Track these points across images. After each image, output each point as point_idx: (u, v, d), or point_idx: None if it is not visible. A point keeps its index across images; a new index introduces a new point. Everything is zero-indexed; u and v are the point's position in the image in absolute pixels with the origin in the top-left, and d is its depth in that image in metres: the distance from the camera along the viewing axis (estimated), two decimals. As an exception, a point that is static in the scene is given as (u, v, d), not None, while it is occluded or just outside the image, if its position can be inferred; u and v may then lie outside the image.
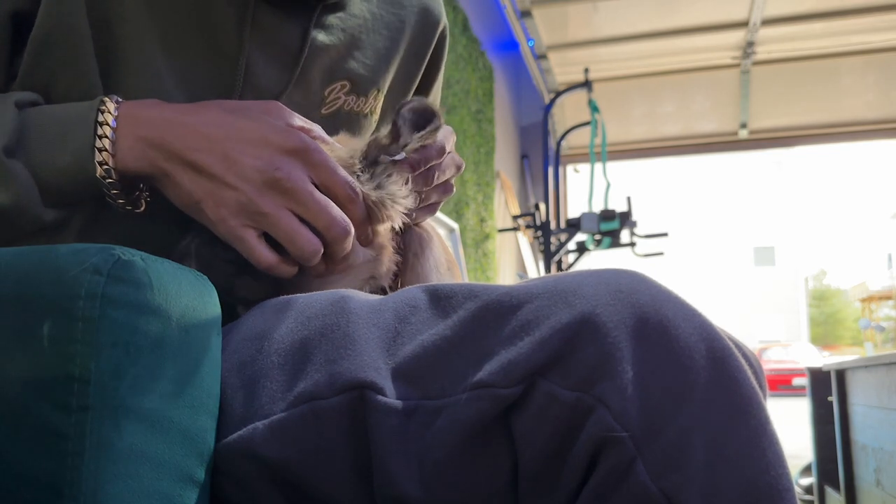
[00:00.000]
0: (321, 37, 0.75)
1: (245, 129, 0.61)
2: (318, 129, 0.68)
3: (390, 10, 0.83)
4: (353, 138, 0.74)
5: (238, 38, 0.69)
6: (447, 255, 0.81)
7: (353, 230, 0.63)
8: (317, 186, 0.62)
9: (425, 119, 0.67)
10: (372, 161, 0.67)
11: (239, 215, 0.60)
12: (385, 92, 0.83)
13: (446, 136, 0.70)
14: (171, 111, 0.62)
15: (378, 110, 0.83)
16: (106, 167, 0.59)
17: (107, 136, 0.59)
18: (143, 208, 0.63)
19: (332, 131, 0.77)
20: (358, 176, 0.66)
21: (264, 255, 0.61)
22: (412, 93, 0.88)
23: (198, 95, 0.68)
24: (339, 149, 0.68)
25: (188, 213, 0.62)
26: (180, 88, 0.68)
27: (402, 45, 0.84)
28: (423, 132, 0.67)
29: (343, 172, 0.63)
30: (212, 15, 0.69)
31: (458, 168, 0.75)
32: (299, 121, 0.66)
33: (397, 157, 0.66)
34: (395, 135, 0.67)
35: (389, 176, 0.67)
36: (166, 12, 0.68)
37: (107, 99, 0.61)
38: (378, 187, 0.66)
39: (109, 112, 0.60)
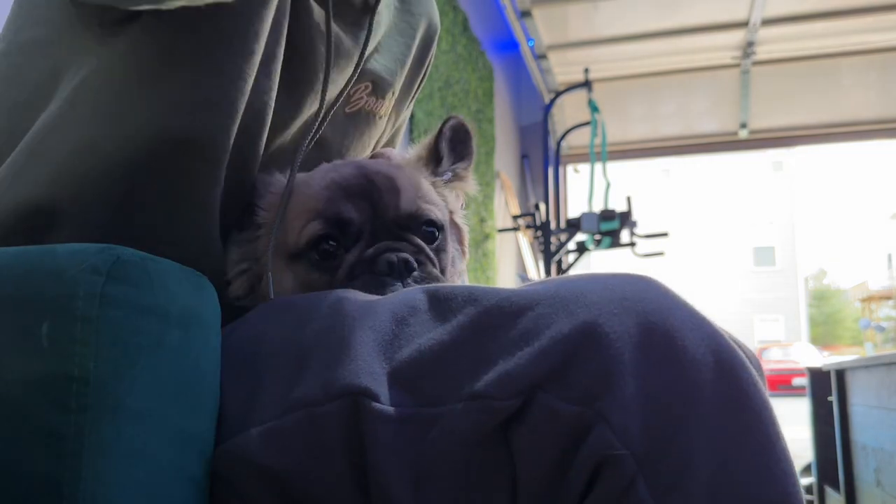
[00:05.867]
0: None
1: None
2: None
3: (404, 19, 0.88)
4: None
5: (327, 70, 0.72)
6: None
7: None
8: None
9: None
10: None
11: None
12: (397, 96, 0.87)
13: None
14: None
15: (388, 114, 0.87)
16: None
17: None
18: None
19: (351, 131, 0.82)
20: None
21: None
22: (411, 97, 0.94)
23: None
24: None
25: None
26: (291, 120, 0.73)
27: (413, 52, 0.88)
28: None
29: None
30: (311, 59, 0.73)
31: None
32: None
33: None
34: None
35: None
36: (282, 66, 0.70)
37: None
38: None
39: None
